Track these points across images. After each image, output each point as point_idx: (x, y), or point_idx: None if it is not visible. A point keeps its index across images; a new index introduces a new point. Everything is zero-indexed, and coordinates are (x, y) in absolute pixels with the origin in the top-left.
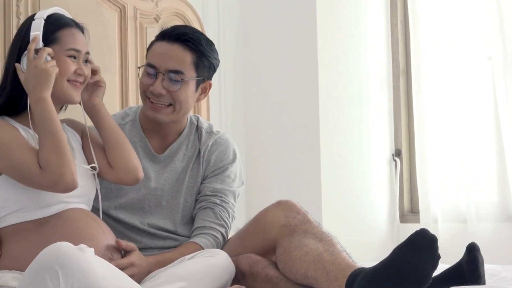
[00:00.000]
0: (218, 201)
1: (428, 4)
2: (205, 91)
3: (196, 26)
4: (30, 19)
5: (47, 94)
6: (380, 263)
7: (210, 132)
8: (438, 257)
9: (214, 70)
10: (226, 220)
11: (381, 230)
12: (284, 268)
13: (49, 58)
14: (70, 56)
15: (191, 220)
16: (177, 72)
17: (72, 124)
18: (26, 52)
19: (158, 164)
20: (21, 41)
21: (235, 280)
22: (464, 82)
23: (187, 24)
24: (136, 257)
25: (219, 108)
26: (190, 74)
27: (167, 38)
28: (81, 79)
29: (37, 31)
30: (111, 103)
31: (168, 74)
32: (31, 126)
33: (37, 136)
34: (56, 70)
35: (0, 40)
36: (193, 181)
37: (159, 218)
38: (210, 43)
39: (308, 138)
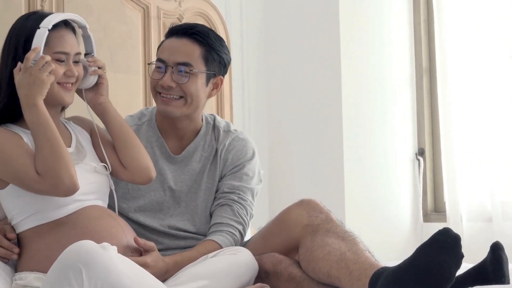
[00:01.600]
0: (236, 198)
1: (453, 2)
2: (217, 87)
3: (219, 25)
4: (25, 21)
5: (40, 101)
6: (403, 262)
7: (228, 131)
8: (462, 256)
9: (225, 66)
10: (244, 218)
11: (404, 229)
12: (307, 267)
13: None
14: (58, 60)
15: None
16: (185, 64)
17: (80, 122)
18: (25, 60)
19: (175, 165)
20: (16, 45)
21: (259, 279)
22: (488, 81)
23: (210, 24)
24: (152, 257)
25: (242, 107)
26: (199, 67)
27: (175, 33)
28: (72, 80)
29: (39, 41)
30: (134, 102)
31: (177, 67)
32: None
33: None
34: (52, 78)
35: None
36: (211, 181)
37: (178, 220)
38: (219, 38)
39: (331, 138)
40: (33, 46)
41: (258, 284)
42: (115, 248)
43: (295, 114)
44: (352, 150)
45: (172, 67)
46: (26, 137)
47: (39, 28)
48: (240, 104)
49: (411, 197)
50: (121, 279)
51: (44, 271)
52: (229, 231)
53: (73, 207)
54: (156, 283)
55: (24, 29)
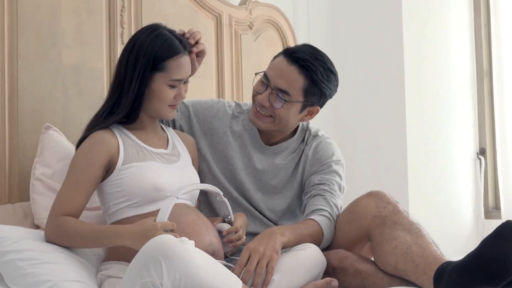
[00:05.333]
0: (326, 188)
1: (510, 7)
2: (311, 114)
3: (287, 31)
4: (148, 36)
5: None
6: (468, 256)
7: (316, 136)
8: None
9: (326, 98)
10: (336, 204)
11: (466, 226)
12: (377, 260)
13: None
14: (172, 86)
15: (292, 215)
16: (284, 92)
17: (183, 137)
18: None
19: (263, 155)
20: (137, 56)
21: (325, 274)
22: None
23: (279, 30)
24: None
25: None
26: (297, 97)
27: (288, 56)
28: (178, 102)
29: (167, 209)
30: None
31: (276, 91)
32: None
33: (147, 148)
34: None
35: (106, 49)
36: (292, 178)
37: (257, 204)
38: (328, 73)
39: (395, 138)
40: (161, 211)
41: (327, 278)
42: (192, 242)
43: (360, 116)
44: (415, 149)
45: (272, 89)
46: (123, 142)
47: (169, 196)
48: None
49: (473, 195)
50: (198, 271)
51: (130, 261)
52: (324, 213)
53: (162, 203)
54: (231, 276)
55: (145, 43)
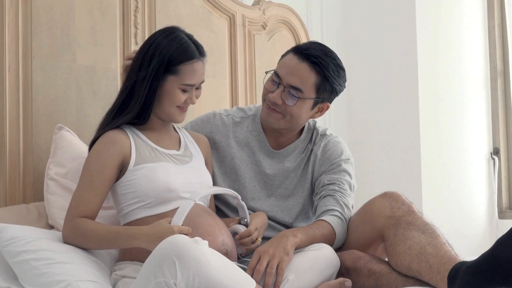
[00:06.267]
0: (337, 188)
1: None
2: (321, 111)
3: (300, 31)
4: (164, 39)
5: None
6: (482, 256)
7: (324, 135)
8: None
9: (336, 95)
10: (347, 204)
11: (480, 226)
12: (391, 260)
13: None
14: (183, 90)
15: (305, 216)
16: (297, 89)
17: (196, 137)
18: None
19: (272, 159)
20: (152, 57)
21: (339, 275)
22: None
23: (293, 30)
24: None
25: None
26: (309, 94)
27: (299, 53)
28: (188, 105)
29: (184, 211)
30: (221, 106)
31: (289, 88)
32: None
33: (158, 149)
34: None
35: (120, 49)
36: (303, 178)
37: (268, 211)
38: (338, 69)
39: (408, 137)
40: (177, 214)
41: (341, 279)
42: (206, 242)
43: (374, 114)
44: (429, 149)
45: (284, 87)
46: (135, 143)
47: (187, 198)
48: None
49: (487, 194)
50: (211, 271)
51: (144, 261)
52: (335, 214)
53: (176, 203)
54: (245, 276)
55: (161, 45)
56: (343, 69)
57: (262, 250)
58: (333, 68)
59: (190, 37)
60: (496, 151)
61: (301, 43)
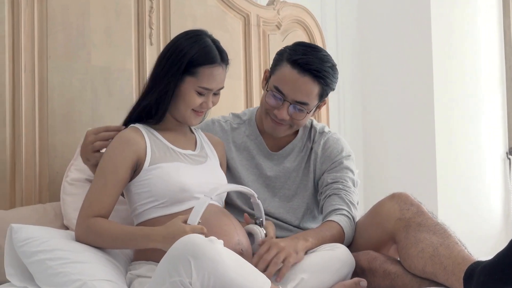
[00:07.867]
0: (341, 186)
1: None
2: (319, 108)
3: (315, 31)
4: (187, 40)
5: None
6: (497, 256)
7: (322, 132)
8: None
9: (333, 90)
10: (352, 201)
11: (495, 226)
12: (404, 264)
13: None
14: (200, 93)
15: (311, 215)
16: (303, 103)
17: (212, 139)
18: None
19: (271, 161)
20: (176, 57)
21: (354, 275)
22: None
23: (307, 30)
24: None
25: (337, 108)
26: (314, 103)
27: (298, 67)
28: (204, 110)
29: (200, 209)
30: (236, 105)
31: (295, 104)
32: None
33: (174, 148)
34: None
35: (134, 50)
36: (305, 177)
37: (273, 212)
38: (333, 69)
39: (423, 138)
40: (193, 212)
41: (356, 278)
42: (221, 241)
43: (389, 114)
44: (444, 149)
45: (290, 103)
46: (150, 142)
47: (204, 195)
48: (336, 106)
49: (502, 194)
50: (226, 271)
51: (158, 261)
52: (343, 213)
53: (190, 203)
54: (260, 276)
55: (183, 45)
56: (335, 66)
57: (273, 242)
58: (330, 72)
59: (215, 42)
60: (511, 151)
61: (292, 50)
